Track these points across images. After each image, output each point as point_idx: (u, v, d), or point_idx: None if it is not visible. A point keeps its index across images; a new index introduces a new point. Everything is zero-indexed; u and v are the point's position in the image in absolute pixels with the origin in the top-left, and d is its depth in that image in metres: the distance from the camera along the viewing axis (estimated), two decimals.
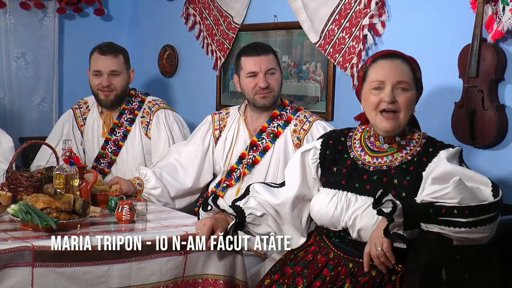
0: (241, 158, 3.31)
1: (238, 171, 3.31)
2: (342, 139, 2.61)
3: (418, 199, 2.28)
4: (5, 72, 4.62)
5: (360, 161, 2.51)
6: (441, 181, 2.26)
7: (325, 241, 2.53)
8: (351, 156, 2.55)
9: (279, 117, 3.29)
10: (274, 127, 3.27)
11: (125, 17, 5.09)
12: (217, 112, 3.52)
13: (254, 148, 3.28)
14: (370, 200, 2.36)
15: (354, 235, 2.41)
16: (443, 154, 2.40)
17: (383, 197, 2.22)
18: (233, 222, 2.57)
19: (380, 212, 2.22)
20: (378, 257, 2.26)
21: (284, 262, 2.60)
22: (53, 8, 4.75)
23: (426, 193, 2.26)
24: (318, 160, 2.61)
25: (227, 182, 3.32)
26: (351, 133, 2.63)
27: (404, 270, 2.32)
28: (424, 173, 2.36)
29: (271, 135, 3.26)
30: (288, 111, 3.31)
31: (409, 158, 2.45)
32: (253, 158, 3.27)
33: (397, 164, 2.45)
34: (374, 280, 2.35)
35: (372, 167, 2.48)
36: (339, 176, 2.51)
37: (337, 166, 2.55)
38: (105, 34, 4.74)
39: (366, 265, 2.32)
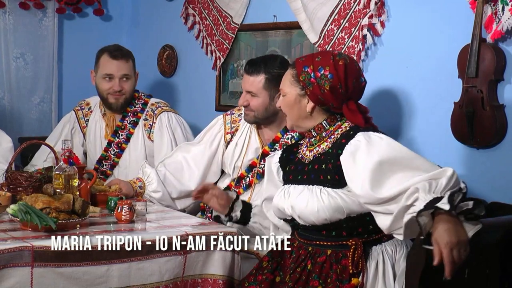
0: (251, 166, 3.26)
1: (248, 179, 3.27)
2: (300, 142, 2.77)
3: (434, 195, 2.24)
4: (5, 72, 4.61)
5: (301, 156, 2.68)
6: (392, 166, 2.37)
7: (294, 234, 2.70)
8: (299, 154, 2.71)
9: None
10: (288, 138, 3.19)
11: (125, 17, 5.08)
12: (229, 112, 3.43)
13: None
14: (303, 187, 2.56)
15: (300, 221, 2.56)
16: (360, 136, 2.48)
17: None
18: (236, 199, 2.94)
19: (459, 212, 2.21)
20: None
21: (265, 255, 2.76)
22: (53, 8, 4.74)
23: (441, 186, 2.24)
24: (278, 164, 2.78)
25: (236, 190, 3.24)
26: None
27: (356, 243, 2.49)
28: (341, 157, 2.47)
29: (284, 147, 3.20)
30: None
31: (333, 142, 2.57)
32: (264, 168, 3.20)
33: (325, 151, 2.58)
34: (330, 258, 2.53)
35: (308, 160, 2.64)
36: (289, 173, 2.70)
37: (289, 165, 2.72)
38: (104, 34, 4.74)
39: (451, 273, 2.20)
